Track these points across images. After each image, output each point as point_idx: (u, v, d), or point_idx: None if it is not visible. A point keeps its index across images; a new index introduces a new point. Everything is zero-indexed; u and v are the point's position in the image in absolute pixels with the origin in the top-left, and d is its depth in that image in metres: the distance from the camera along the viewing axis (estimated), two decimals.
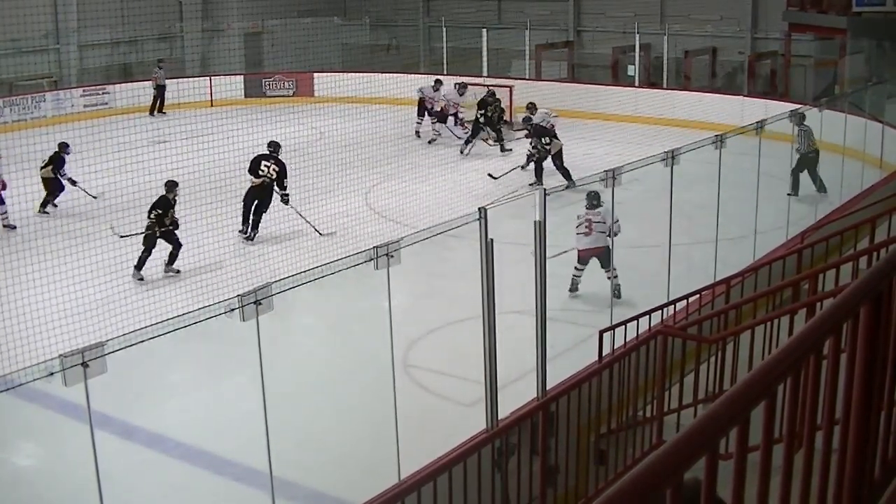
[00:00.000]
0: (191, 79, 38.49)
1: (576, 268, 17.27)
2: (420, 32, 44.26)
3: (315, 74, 39.10)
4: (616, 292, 15.94)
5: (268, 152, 21.90)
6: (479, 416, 9.80)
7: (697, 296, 12.37)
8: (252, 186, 21.41)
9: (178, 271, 18.47)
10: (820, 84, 33.99)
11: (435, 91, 31.88)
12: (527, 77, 36.98)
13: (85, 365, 7.25)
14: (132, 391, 12.72)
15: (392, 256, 9.10)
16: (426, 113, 32.14)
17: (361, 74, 36.92)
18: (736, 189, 16.21)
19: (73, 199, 20.64)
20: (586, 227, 16.86)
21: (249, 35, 42.84)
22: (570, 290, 17.23)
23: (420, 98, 32.28)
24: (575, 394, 9.96)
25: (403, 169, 26.13)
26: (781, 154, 18.35)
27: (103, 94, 38.15)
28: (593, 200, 16.86)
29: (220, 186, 21.92)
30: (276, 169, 21.46)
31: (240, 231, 21.14)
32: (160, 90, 37.59)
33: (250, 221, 21.19)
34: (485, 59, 37.88)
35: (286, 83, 39.96)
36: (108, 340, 7.51)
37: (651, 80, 36.94)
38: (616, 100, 33.67)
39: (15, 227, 21.30)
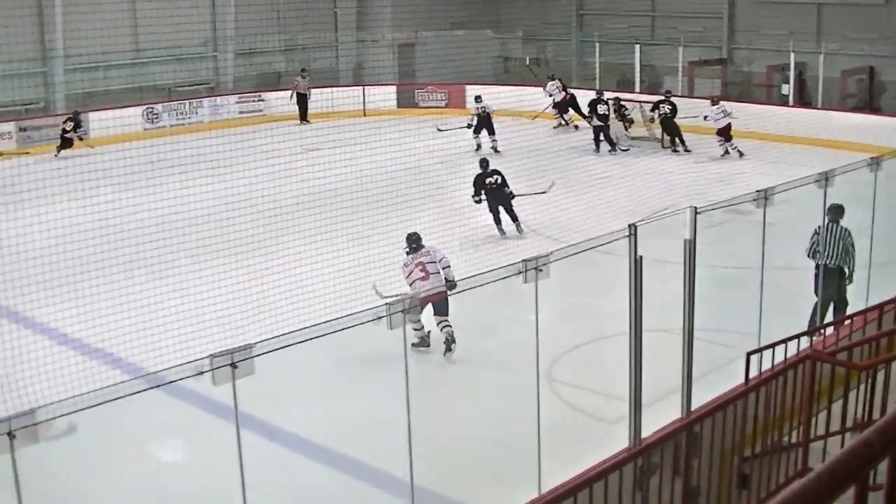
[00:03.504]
0: (344, 88, 38.99)
1: (415, 322, 15.00)
2: (572, 47, 44.18)
3: (467, 86, 39.28)
4: (450, 345, 15.18)
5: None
6: (622, 433, 9.77)
7: (848, 321, 12.17)
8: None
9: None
10: None
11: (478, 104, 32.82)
12: (679, 94, 36.70)
13: (234, 366, 7.41)
14: (277, 393, 12.92)
15: (541, 270, 9.13)
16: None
17: (513, 87, 37.02)
18: (891, 213, 15.90)
19: (234, 204, 21.02)
20: (420, 271, 15.45)
21: (403, 46, 43.18)
22: (415, 345, 14.96)
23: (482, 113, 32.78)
24: (720, 415, 9.86)
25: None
26: None
27: (258, 101, 38.84)
28: (413, 243, 15.65)
29: (371, 194, 22.21)
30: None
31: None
32: (301, 98, 38.02)
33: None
34: (637, 74, 37.73)
35: (438, 94, 40.24)
36: (257, 343, 7.67)
37: (805, 99, 36.40)
38: (769, 119, 33.22)
39: None
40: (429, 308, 14.77)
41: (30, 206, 18.94)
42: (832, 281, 14.91)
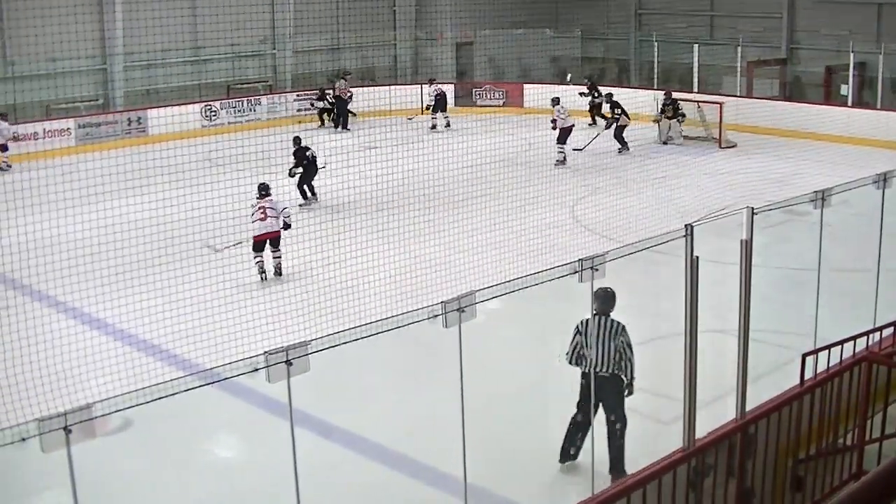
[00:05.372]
0: (402, 86, 39.04)
1: (255, 256, 19.32)
2: (631, 46, 44.02)
3: (525, 85, 39.25)
4: (278, 270, 19.31)
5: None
6: (676, 433, 9.73)
7: None
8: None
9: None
10: None
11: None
12: (738, 94, 36.52)
13: (289, 363, 7.42)
14: (332, 391, 12.96)
15: (597, 270, 9.08)
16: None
17: (571, 87, 36.94)
18: None
19: (292, 201, 21.14)
20: (261, 213, 19.42)
21: (461, 45, 43.22)
22: (262, 277, 19.18)
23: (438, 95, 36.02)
24: (774, 417, 9.81)
25: (611, 182, 26.06)
26: None
27: (316, 99, 38.94)
28: (262, 191, 19.88)
29: (427, 192, 22.22)
30: None
31: None
32: (340, 103, 37.24)
33: None
34: (695, 74, 37.54)
35: (496, 93, 40.20)
36: (311, 340, 7.69)
37: (864, 100, 36.06)
38: (828, 119, 32.95)
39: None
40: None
41: (86, 203, 19.05)
42: (607, 394, 11.32)
